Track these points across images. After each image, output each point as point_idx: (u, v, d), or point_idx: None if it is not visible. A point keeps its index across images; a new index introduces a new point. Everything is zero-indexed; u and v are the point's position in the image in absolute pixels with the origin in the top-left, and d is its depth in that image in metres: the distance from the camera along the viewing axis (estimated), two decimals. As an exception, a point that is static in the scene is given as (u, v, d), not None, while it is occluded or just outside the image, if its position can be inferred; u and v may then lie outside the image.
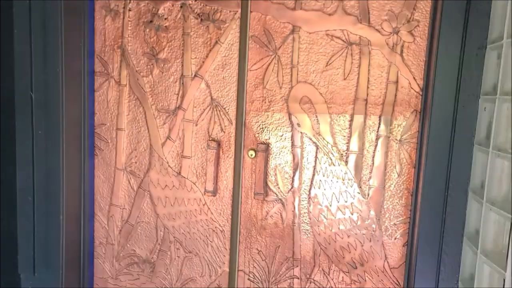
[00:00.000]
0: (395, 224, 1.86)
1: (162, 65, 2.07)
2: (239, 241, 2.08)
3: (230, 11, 1.94)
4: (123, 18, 2.09)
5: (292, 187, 1.98)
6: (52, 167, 2.06)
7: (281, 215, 2.01)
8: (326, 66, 1.86)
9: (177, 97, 2.07)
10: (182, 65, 2.04)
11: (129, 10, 2.07)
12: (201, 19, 1.99)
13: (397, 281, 1.89)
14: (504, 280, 1.26)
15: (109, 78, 2.15)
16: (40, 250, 2.11)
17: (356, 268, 1.94)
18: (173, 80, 2.07)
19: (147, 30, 2.06)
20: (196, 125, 2.07)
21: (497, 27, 1.43)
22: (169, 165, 2.13)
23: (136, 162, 2.18)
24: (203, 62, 2.01)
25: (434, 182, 1.59)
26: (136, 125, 2.15)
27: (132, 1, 2.06)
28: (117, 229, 2.24)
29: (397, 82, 1.79)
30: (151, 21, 2.05)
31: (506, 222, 1.29)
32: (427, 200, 1.61)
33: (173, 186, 2.14)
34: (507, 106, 1.30)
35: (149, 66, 2.09)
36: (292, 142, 1.96)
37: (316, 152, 1.93)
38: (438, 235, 1.61)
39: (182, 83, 2.06)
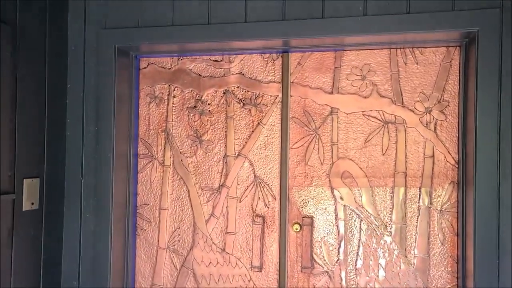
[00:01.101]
0: (443, 291, 1.93)
1: (206, 146, 2.19)
2: (287, 317, 2.09)
3: (271, 96, 2.12)
4: (168, 104, 2.24)
5: (338, 259, 2.05)
6: (100, 250, 2.09)
7: (328, 288, 2.06)
8: (365, 143, 2.02)
9: (221, 176, 2.18)
10: (226, 146, 2.17)
11: (174, 97, 2.23)
12: (244, 104, 2.15)
13: None
14: None
15: (152, 159, 2.25)
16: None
17: (407, 338, 1.97)
18: (216, 160, 2.18)
19: (191, 114, 2.21)
20: (240, 201, 2.16)
21: (528, 107, 1.63)
22: (213, 242, 2.18)
23: (179, 241, 2.22)
24: (245, 142, 2.15)
25: (485, 249, 1.70)
26: (179, 203, 2.22)
27: (176, 89, 2.23)
28: (159, 310, 2.23)
29: (433, 156, 1.95)
30: (195, 106, 2.21)
31: None
32: (481, 267, 1.70)
33: (217, 263, 2.18)
34: (554, 179, 1.46)
35: (193, 148, 2.21)
36: (335, 215, 2.05)
37: (360, 224, 2.02)
38: (496, 302, 1.68)
39: (226, 162, 2.17)
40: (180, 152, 2.23)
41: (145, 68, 2.27)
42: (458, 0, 1.75)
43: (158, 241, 2.25)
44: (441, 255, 1.94)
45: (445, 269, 1.93)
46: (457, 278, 1.91)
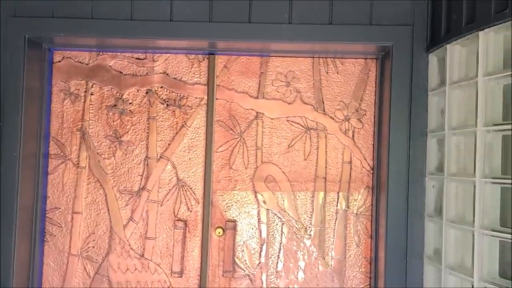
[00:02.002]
0: (357, 291, 2.03)
1: (125, 147, 2.09)
2: (207, 322, 2.06)
3: (196, 98, 2.08)
4: (84, 101, 2.10)
5: (259, 262, 2.06)
6: (1, 259, 1.89)
7: (249, 291, 2.06)
8: (288, 148, 2.06)
9: (141, 178, 2.09)
10: (147, 147, 2.09)
11: (91, 94, 2.10)
12: (167, 104, 2.09)
13: None
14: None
15: (66, 160, 2.10)
16: None
17: (323, 337, 2.04)
18: (137, 162, 2.09)
19: (110, 113, 2.10)
20: (161, 205, 2.09)
21: (435, 118, 1.77)
22: (131, 248, 2.08)
23: (94, 246, 2.09)
24: (169, 144, 2.09)
25: (395, 251, 1.81)
26: (95, 207, 2.10)
27: (94, 86, 2.10)
28: (69, 322, 2.08)
29: (350, 162, 2.04)
30: (115, 105, 2.10)
31: (463, 283, 1.53)
32: (390, 267, 1.81)
33: (135, 269, 2.08)
34: (455, 185, 1.59)
35: (111, 148, 2.10)
36: (258, 219, 2.07)
37: (282, 227, 2.06)
38: (403, 300, 1.80)
39: (147, 165, 2.09)
40: (97, 153, 2.10)
41: (59, 61, 2.11)
42: (375, 15, 1.85)
43: (70, 247, 2.10)
44: (356, 257, 2.04)
45: (359, 270, 2.03)
46: (370, 278, 2.01)
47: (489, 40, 1.47)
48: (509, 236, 1.37)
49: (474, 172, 1.49)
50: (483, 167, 1.46)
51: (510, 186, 1.40)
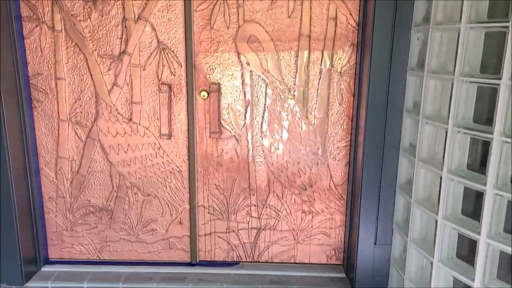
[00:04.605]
0: (338, 147, 2.11)
1: (100, 8, 1.99)
2: (197, 179, 2.19)
3: (171, -50, 1.91)
4: (51, -43, 1.93)
5: (245, 124, 2.11)
6: (-10, 124, 1.93)
7: (236, 151, 2.15)
8: (271, 4, 1.95)
9: (121, 42, 2.03)
10: (123, 8, 1.99)
11: None
12: (141, -42, 1.92)
13: (341, 196, 2.17)
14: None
15: (40, 23, 2.01)
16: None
17: (306, 189, 2.18)
18: (114, 24, 2.01)
19: (80, -30, 1.95)
20: (144, 69, 2.06)
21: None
22: (118, 112, 2.11)
23: (81, 112, 2.12)
24: (145, 4, 1.98)
25: (375, 107, 1.83)
26: (77, 73, 2.07)
27: None
28: (67, 182, 2.21)
29: (336, 18, 1.95)
30: (84, -40, 1.94)
31: (439, 130, 1.59)
32: (371, 123, 1.85)
33: (125, 133, 2.14)
34: (440, 34, 1.54)
35: (86, 10, 1.99)
36: (242, 81, 2.06)
37: (266, 89, 2.06)
38: (380, 152, 1.88)
39: (125, 27, 2.01)
40: (72, 15, 2.00)
41: None
42: None
43: (58, 113, 2.13)
44: (338, 115, 2.07)
45: (341, 127, 2.09)
46: (351, 134, 2.08)
47: None
48: (488, 80, 1.37)
49: (460, 19, 1.43)
50: (469, 10, 1.40)
51: (496, 30, 1.35)
